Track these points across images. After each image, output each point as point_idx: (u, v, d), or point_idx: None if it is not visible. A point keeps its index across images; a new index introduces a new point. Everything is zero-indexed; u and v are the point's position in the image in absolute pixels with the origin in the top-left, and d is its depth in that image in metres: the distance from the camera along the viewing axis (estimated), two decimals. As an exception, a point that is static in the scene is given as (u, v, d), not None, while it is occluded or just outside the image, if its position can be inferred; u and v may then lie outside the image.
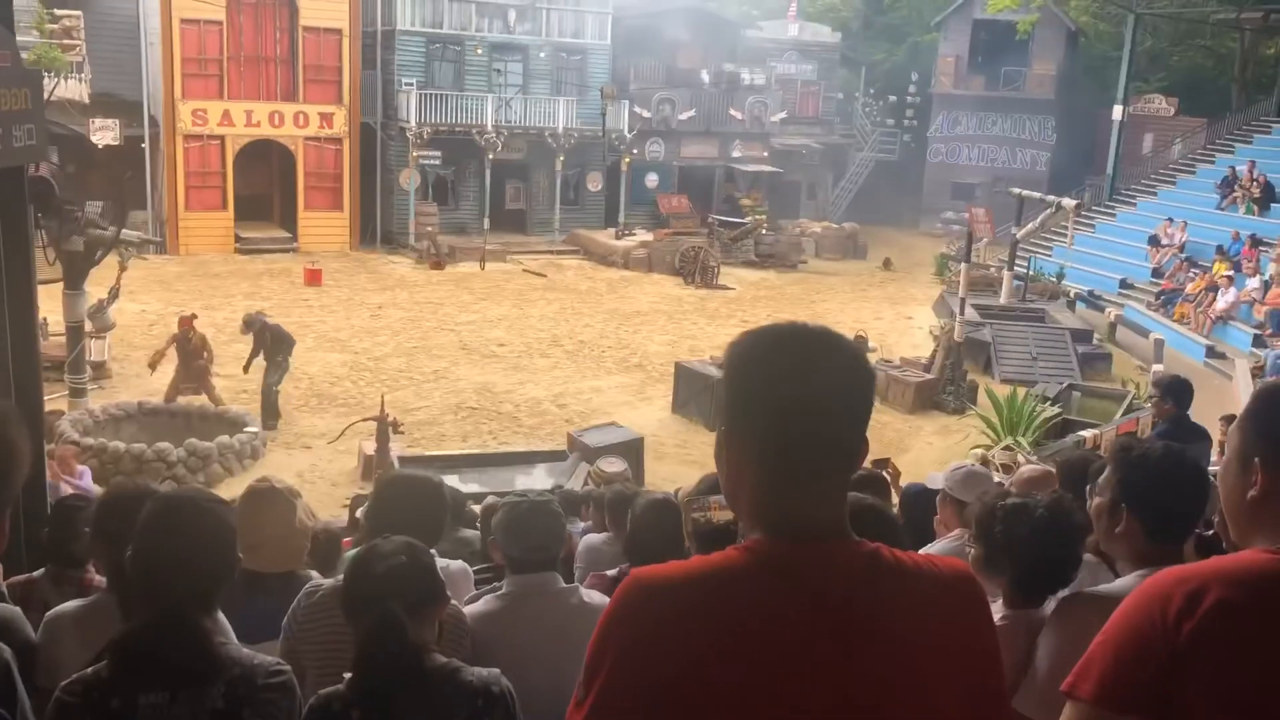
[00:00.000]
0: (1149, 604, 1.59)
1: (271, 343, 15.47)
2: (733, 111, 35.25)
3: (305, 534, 3.21)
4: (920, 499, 5.45)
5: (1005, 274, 25.00)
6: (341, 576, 2.43)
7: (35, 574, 3.54)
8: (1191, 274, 24.85)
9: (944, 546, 3.97)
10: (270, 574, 3.04)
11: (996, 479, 5.26)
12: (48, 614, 2.85)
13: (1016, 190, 26.66)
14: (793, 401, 1.49)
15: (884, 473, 7.98)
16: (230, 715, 2.10)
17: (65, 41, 24.91)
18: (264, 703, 2.14)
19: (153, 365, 15.65)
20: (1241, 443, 1.71)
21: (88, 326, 15.82)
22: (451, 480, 9.21)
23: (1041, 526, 2.72)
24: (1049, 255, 28.83)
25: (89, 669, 2.14)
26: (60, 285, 14.74)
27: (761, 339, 1.57)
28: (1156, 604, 1.58)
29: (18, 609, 2.86)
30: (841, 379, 1.52)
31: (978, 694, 1.52)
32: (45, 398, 5.70)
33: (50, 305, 17.10)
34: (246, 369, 15.62)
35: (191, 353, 15.44)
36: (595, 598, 3.08)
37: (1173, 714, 1.56)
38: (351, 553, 2.57)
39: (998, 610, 2.79)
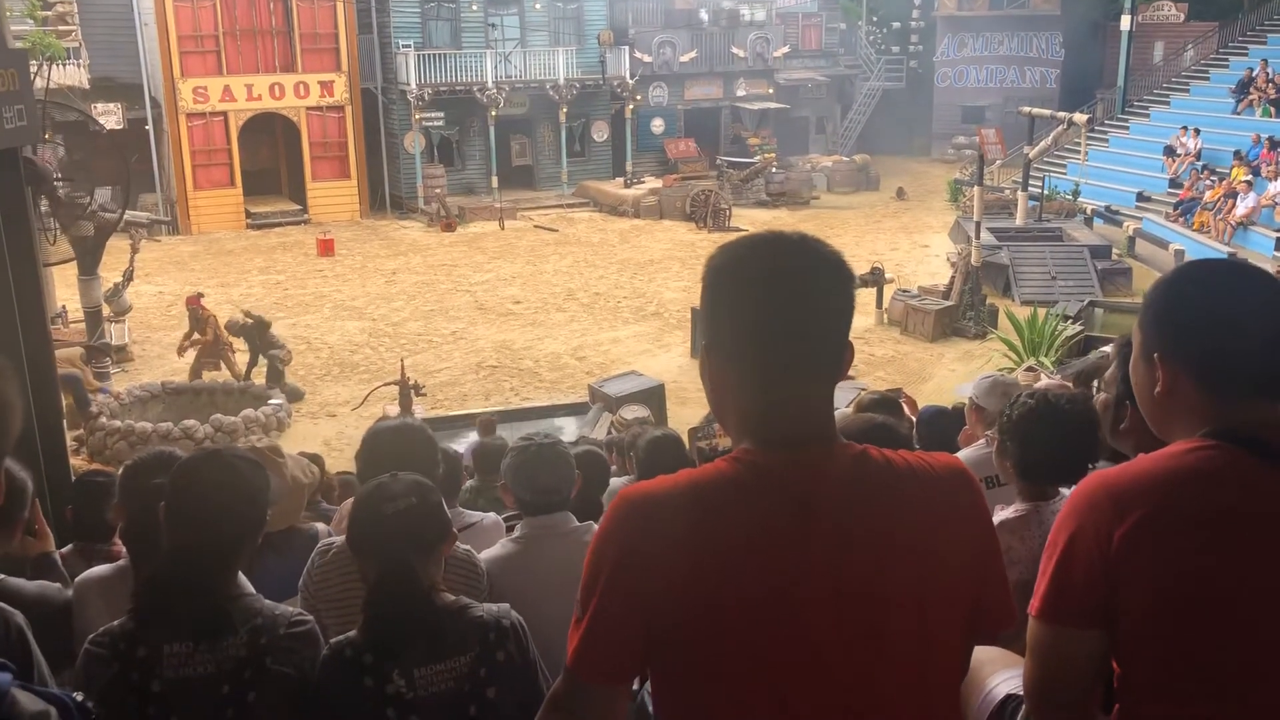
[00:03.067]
0: (1080, 515, 1.58)
1: (256, 329, 15.55)
2: (735, 49, 34.83)
3: (300, 489, 3.25)
4: (936, 421, 5.44)
5: (1020, 195, 24.74)
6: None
7: (63, 549, 3.59)
8: (1209, 182, 24.47)
9: (968, 455, 3.97)
10: (272, 532, 3.07)
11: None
12: (76, 579, 2.89)
13: (1027, 109, 26.33)
14: (768, 309, 1.47)
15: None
16: (253, 663, 2.13)
17: (60, 28, 24.80)
18: (286, 651, 2.17)
19: (181, 351, 15.75)
20: (1142, 339, 1.68)
21: (106, 311, 15.95)
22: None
23: (1044, 412, 2.75)
24: (1063, 173, 28.46)
25: (115, 622, 2.18)
26: (75, 273, 14.84)
27: (734, 249, 1.55)
28: (1088, 514, 1.57)
29: (61, 589, 2.88)
30: (817, 282, 1.50)
31: (977, 584, 1.52)
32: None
33: (66, 294, 17.26)
34: (248, 375, 15.69)
35: (203, 330, 15.54)
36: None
37: (1117, 624, 1.55)
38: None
39: (1014, 507, 2.81)
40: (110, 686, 2.10)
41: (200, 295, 15.96)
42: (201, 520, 2.19)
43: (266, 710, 2.12)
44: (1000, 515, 2.76)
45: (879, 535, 1.44)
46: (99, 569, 2.90)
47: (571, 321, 19.52)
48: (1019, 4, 38.03)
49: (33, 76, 4.45)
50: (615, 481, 5.24)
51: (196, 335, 15.52)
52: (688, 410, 14.44)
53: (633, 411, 12.88)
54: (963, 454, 4.05)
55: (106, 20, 27.29)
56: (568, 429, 13.04)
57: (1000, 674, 2.04)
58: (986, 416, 4.20)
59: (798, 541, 1.42)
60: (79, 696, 1.41)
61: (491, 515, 3.82)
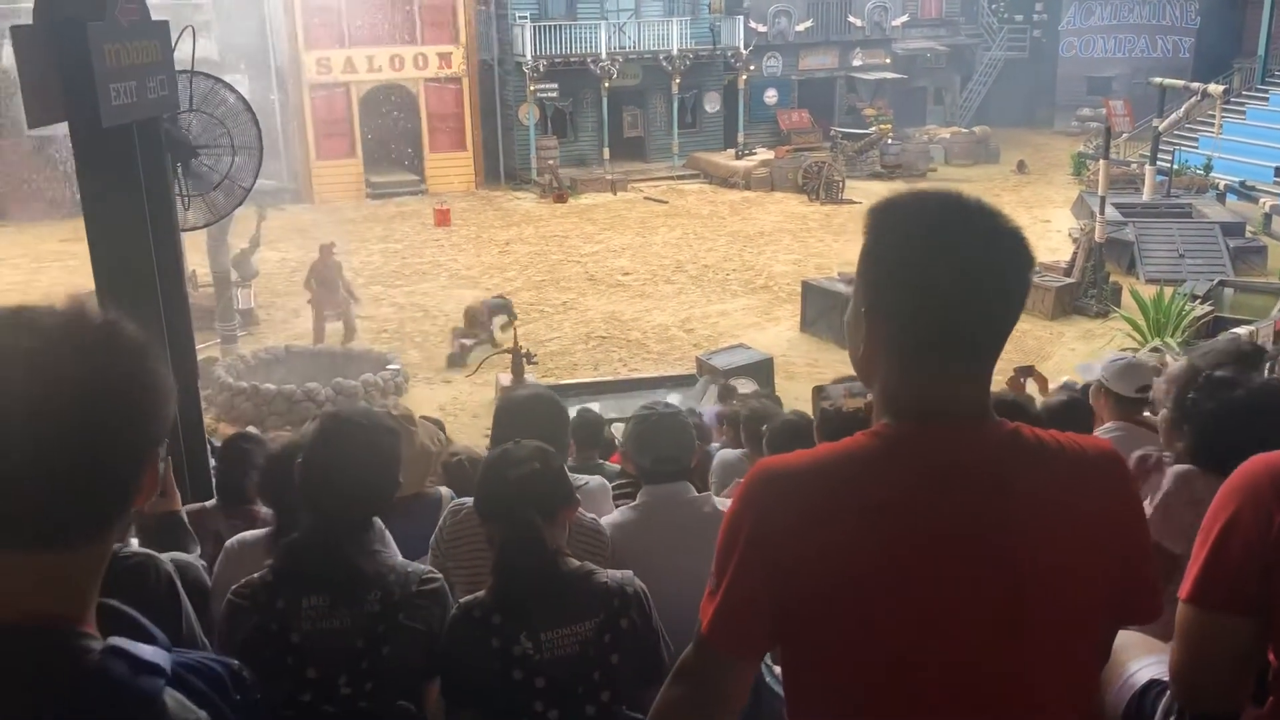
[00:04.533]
0: (1239, 497, 1.50)
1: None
2: (851, 18, 34.19)
3: (428, 457, 3.32)
4: (1069, 405, 5.27)
5: (1148, 169, 23.80)
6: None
7: (207, 504, 3.75)
8: (1356, 156, 23.20)
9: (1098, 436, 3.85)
10: (400, 497, 3.16)
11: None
12: (227, 542, 3.00)
13: (1157, 80, 25.23)
14: (937, 281, 1.39)
15: (1028, 379, 7.73)
16: (385, 618, 2.20)
17: (194, 1, 25.64)
18: (417, 608, 2.24)
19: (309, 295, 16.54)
20: None
21: (233, 276, 16.52)
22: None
23: (1232, 404, 2.56)
24: (1194, 147, 27.23)
25: (256, 575, 2.28)
26: (204, 237, 15.38)
27: (906, 207, 1.45)
28: (1248, 497, 1.49)
29: (196, 561, 2.99)
30: (994, 256, 1.41)
31: (1122, 569, 1.46)
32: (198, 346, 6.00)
33: (196, 259, 17.91)
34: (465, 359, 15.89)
35: (331, 280, 16.07)
36: (728, 505, 3.09)
37: (1274, 612, 1.48)
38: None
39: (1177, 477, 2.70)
40: (252, 636, 2.19)
41: (333, 244, 16.68)
42: (339, 481, 2.26)
43: (398, 664, 2.19)
44: (1169, 488, 2.65)
45: (1022, 514, 1.40)
46: (248, 534, 3.00)
47: (680, 293, 19.52)
48: (1152, -31, 36.48)
49: (175, 45, 4.61)
50: (729, 454, 5.24)
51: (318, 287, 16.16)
52: (796, 385, 14.32)
53: (741, 385, 12.84)
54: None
55: (236, -8, 28.12)
56: (674, 401, 13.06)
57: (1143, 659, 1.98)
58: (1118, 403, 4.06)
59: (934, 516, 1.38)
60: (235, 664, 1.36)
61: (598, 478, 3.86)
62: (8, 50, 23.76)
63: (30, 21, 3.91)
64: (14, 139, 25.82)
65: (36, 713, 1.08)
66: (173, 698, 1.16)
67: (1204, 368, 2.80)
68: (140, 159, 4.22)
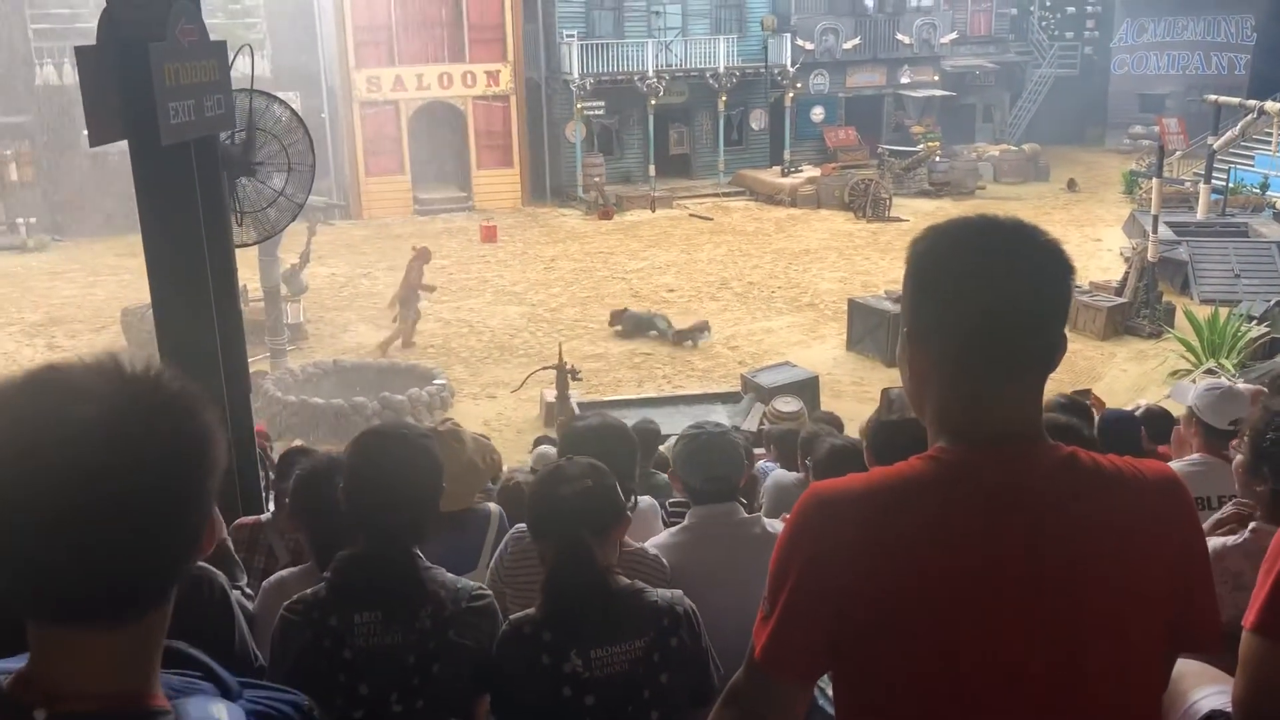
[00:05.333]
0: None
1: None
2: (900, 36, 34.04)
3: (476, 472, 3.33)
4: (1119, 425, 5.19)
5: (1202, 187, 23.45)
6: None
7: (262, 517, 3.76)
8: None
9: (1179, 468, 3.70)
10: (447, 512, 3.16)
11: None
12: (266, 580, 2.96)
13: (1212, 97, 24.92)
14: (982, 301, 1.41)
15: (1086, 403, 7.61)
16: (436, 635, 2.21)
17: (246, 20, 26.15)
18: (467, 624, 2.24)
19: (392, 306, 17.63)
20: None
21: (283, 291, 16.76)
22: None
23: None
24: (1250, 165, 26.75)
25: (309, 590, 2.29)
26: (255, 252, 15.61)
27: (947, 232, 1.48)
28: None
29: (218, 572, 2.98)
30: (1037, 274, 1.42)
31: (1181, 596, 1.44)
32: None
33: (246, 273, 18.22)
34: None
35: (413, 283, 17.33)
36: (779, 527, 3.07)
37: None
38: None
39: (1252, 528, 2.63)
40: (304, 651, 2.21)
41: (426, 249, 18.09)
42: (387, 495, 2.27)
43: (449, 681, 2.20)
44: (1237, 538, 2.60)
45: (1079, 538, 1.38)
46: (285, 573, 2.96)
47: (725, 310, 19.49)
48: (1207, -15, 35.98)
49: (230, 64, 4.68)
50: (784, 477, 5.20)
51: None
52: (841, 404, 14.22)
53: (786, 404, 12.78)
54: (1176, 467, 3.81)
55: (289, 11, 28.58)
56: (718, 418, 13.02)
57: (1205, 688, 1.94)
58: (1210, 437, 3.84)
59: (990, 540, 1.37)
60: (306, 703, 1.33)
61: (646, 498, 3.85)
62: (67, 69, 24.28)
63: (92, 42, 3.99)
64: (72, 155, 26.42)
65: None
66: None
67: (1275, 410, 2.67)
68: (197, 176, 4.29)
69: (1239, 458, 2.73)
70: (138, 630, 1.08)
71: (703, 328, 17.91)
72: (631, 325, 17.98)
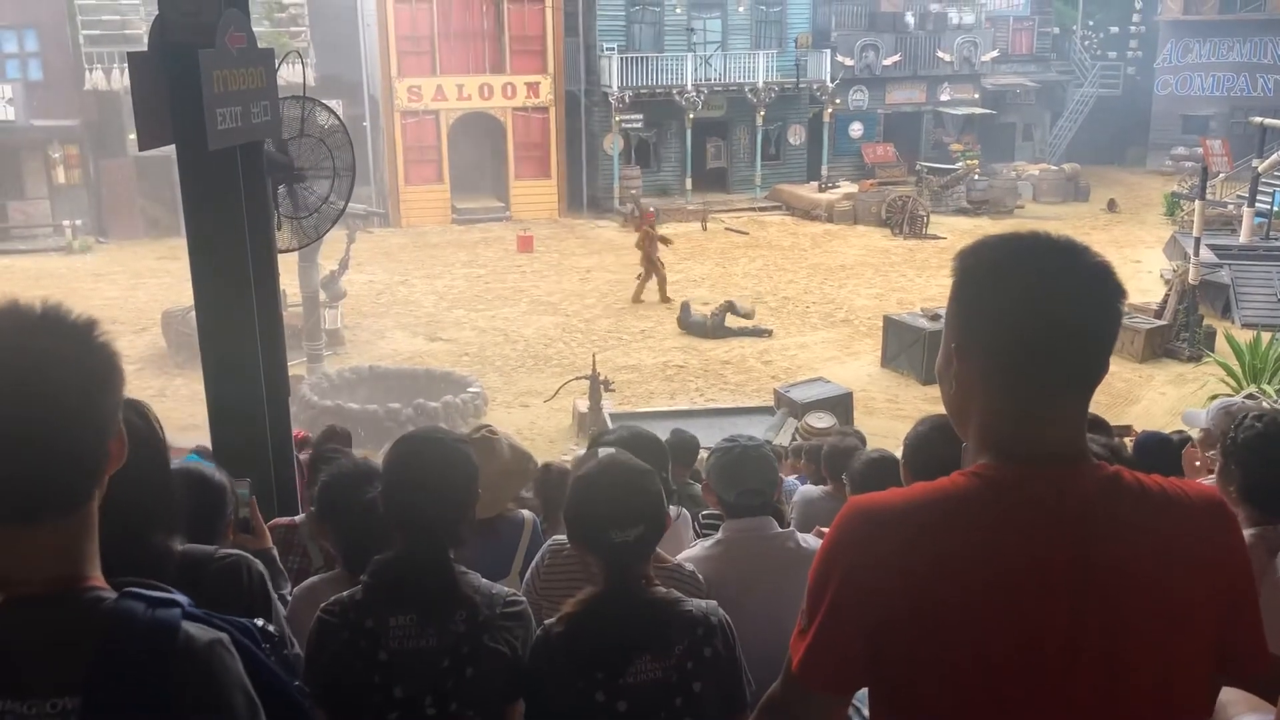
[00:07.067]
0: None
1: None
2: (940, 53, 33.93)
3: (510, 479, 3.34)
4: (1156, 448, 5.11)
5: (1246, 210, 23.18)
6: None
7: (296, 518, 3.79)
8: None
9: None
10: (484, 518, 3.17)
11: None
12: (297, 587, 2.99)
13: (1258, 119, 24.62)
14: (1031, 319, 1.40)
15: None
16: (470, 639, 2.22)
17: (291, 29, 26.48)
18: (501, 629, 2.25)
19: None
20: None
21: (322, 297, 16.91)
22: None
23: (1273, 434, 2.61)
24: (1296, 188, 26.43)
25: (345, 593, 2.31)
26: (294, 258, 15.77)
27: (996, 247, 1.46)
28: None
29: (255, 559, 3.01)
30: (1092, 295, 1.41)
31: (1226, 622, 1.43)
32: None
33: (285, 279, 18.42)
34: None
35: (649, 245, 19.29)
36: (811, 542, 3.06)
37: None
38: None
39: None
40: (340, 652, 2.22)
41: (652, 212, 20.35)
42: (424, 499, 2.28)
43: (482, 686, 2.21)
44: None
45: (1125, 557, 1.37)
46: (316, 579, 2.99)
47: (758, 325, 19.46)
48: (1254, 6, 35.56)
49: (276, 71, 4.74)
50: (810, 491, 5.19)
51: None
52: (875, 420, 14.16)
53: (819, 419, 12.73)
54: None
55: (332, 21, 28.92)
56: (751, 432, 12.98)
57: (1247, 716, 1.92)
58: (1209, 439, 3.92)
59: (1035, 558, 1.37)
60: (260, 622, 1.52)
61: (674, 508, 3.85)
62: (115, 74, 24.67)
63: (143, 48, 4.06)
64: (119, 159, 26.84)
65: (76, 663, 1.22)
66: (193, 625, 1.30)
67: (1251, 414, 2.81)
68: (242, 181, 4.35)
69: (1217, 466, 2.83)
70: (67, 526, 1.28)
71: (766, 330, 18.81)
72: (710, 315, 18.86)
